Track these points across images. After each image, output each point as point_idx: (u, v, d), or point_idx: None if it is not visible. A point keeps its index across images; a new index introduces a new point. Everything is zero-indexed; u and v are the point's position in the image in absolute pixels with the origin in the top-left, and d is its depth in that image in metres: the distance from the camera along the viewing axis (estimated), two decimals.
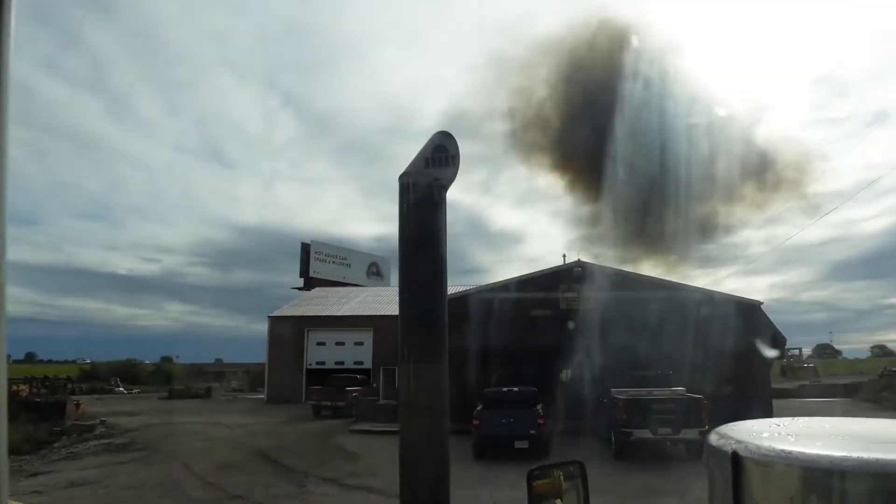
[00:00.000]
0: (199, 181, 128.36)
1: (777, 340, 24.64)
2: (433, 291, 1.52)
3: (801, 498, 0.74)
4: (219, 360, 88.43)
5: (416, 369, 1.44)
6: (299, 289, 55.13)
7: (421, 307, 1.52)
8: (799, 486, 0.74)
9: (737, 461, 0.80)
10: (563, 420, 20.52)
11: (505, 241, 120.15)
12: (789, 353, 48.70)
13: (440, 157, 1.62)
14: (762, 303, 25.27)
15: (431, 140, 1.65)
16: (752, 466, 0.78)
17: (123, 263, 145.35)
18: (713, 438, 0.87)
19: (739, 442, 0.81)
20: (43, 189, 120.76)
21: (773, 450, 0.77)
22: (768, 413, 22.36)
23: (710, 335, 22.20)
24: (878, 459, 0.71)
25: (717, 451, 0.84)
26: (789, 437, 0.82)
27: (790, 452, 0.76)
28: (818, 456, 0.73)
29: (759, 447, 0.79)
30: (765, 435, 0.83)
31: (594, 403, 21.10)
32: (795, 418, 0.98)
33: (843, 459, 0.72)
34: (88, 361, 74.82)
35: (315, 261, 57.13)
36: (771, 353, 23.43)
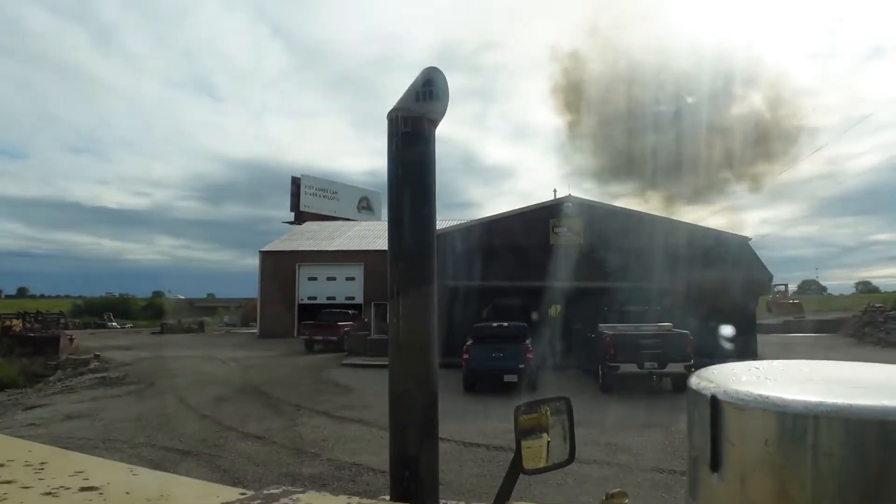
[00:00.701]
0: (189, 114, 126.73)
1: (763, 276, 24.94)
2: (422, 228, 1.51)
3: (775, 441, 0.76)
4: (211, 295, 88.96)
5: (404, 305, 1.44)
6: (290, 223, 55.06)
7: (410, 243, 1.51)
8: (774, 430, 0.76)
9: (715, 404, 0.82)
10: (552, 354, 20.85)
11: (497, 175, 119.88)
12: (775, 289, 49.34)
13: (429, 91, 1.59)
14: (750, 238, 25.47)
15: (420, 76, 1.62)
16: (729, 410, 0.80)
17: (114, 197, 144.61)
18: (693, 381, 0.89)
19: (718, 386, 0.83)
20: (31, 122, 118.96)
21: (751, 394, 0.79)
22: (753, 348, 22.84)
23: (698, 270, 22.43)
24: (850, 405, 0.73)
25: (697, 394, 0.86)
26: (767, 381, 0.84)
27: (767, 397, 0.78)
28: (793, 401, 0.75)
29: (736, 391, 0.81)
30: (743, 379, 0.85)
31: (582, 338, 21.44)
32: (775, 361, 1.00)
33: (818, 405, 0.74)
34: (80, 296, 75.18)
35: (305, 195, 56.87)
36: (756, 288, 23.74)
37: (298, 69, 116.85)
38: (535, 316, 22.40)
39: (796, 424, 0.75)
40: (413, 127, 1.51)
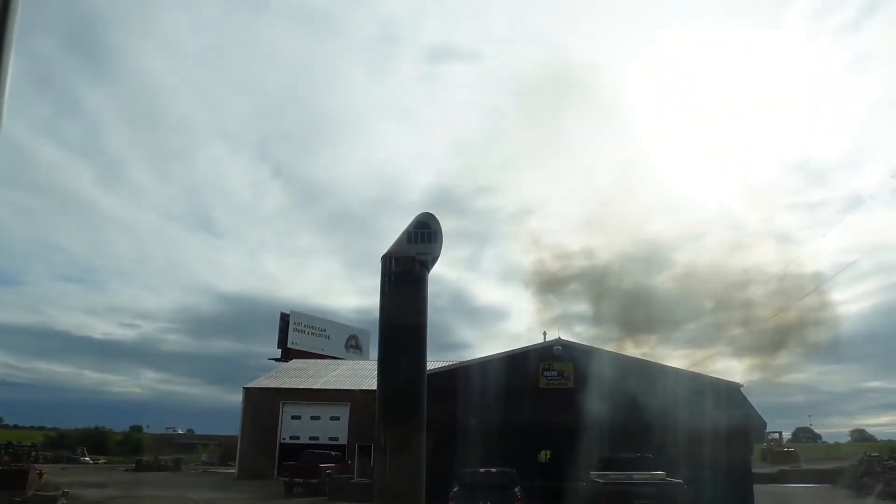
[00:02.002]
0: (186, 248, 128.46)
1: (757, 424, 24.54)
2: (412, 381, 1.56)
3: None
4: (190, 431, 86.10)
5: (392, 459, 1.46)
6: (276, 360, 54.47)
7: (399, 396, 1.56)
8: None
9: None
10: (543, 502, 20.11)
11: (488, 316, 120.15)
12: (769, 437, 48.41)
13: (423, 234, 1.68)
14: (742, 385, 25.28)
15: (415, 219, 1.71)
16: None
17: (101, 328, 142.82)
18: None
19: None
20: (28, 250, 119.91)
21: None
22: (749, 500, 22.07)
23: (691, 417, 22.09)
24: None
25: None
26: None
27: None
28: None
29: None
30: None
31: (573, 485, 20.75)
32: None
33: None
34: (55, 428, 72.79)
35: (294, 331, 56.68)
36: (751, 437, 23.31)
37: (296, 208, 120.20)
38: (524, 460, 21.78)
39: None
40: (406, 269, 1.59)
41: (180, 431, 79.46)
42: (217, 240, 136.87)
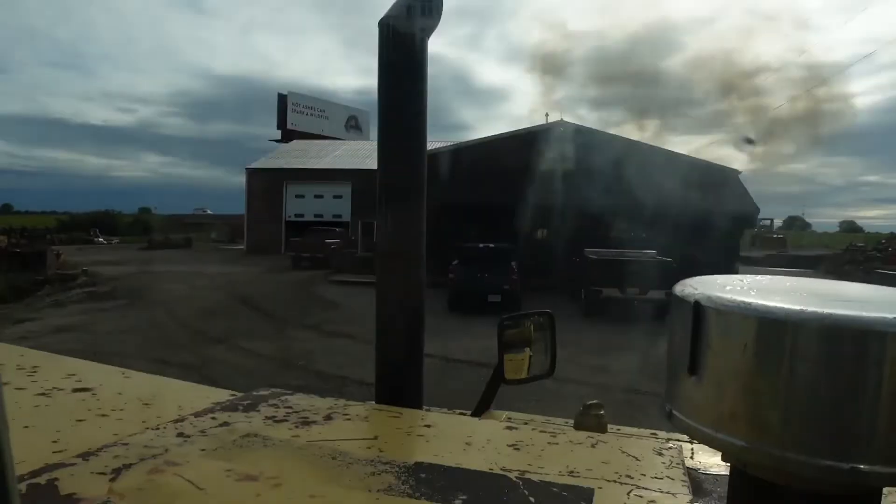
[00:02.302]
0: (174, 28, 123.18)
1: (750, 210, 25.05)
2: (413, 139, 1.50)
3: (754, 345, 0.78)
4: (198, 210, 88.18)
5: (393, 216, 1.45)
6: (277, 141, 54.23)
7: (401, 157, 1.51)
8: (753, 335, 0.78)
9: (698, 310, 0.83)
10: (537, 276, 21.03)
11: (491, 98, 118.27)
12: (761, 223, 49.68)
13: (423, 5, 1.54)
14: (740, 171, 25.43)
15: None
16: (711, 315, 0.82)
17: (98, 114, 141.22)
18: (678, 289, 0.90)
19: (702, 292, 0.84)
20: (11, 36, 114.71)
21: (733, 301, 0.80)
22: None
23: (685, 200, 22.46)
24: (829, 314, 0.74)
25: (680, 301, 0.88)
26: (750, 290, 0.85)
27: (749, 303, 0.79)
28: (774, 307, 0.77)
29: (720, 297, 0.82)
30: (727, 288, 0.86)
31: (567, 262, 21.61)
32: (759, 276, 1.01)
33: (798, 312, 0.75)
34: (66, 212, 74.45)
35: (293, 113, 55.84)
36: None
37: None
38: (521, 238, 22.46)
39: (775, 330, 0.76)
40: (405, 35, 1.48)
41: (210, 212, 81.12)
42: (205, 17, 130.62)
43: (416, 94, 1.45)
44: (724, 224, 22.71)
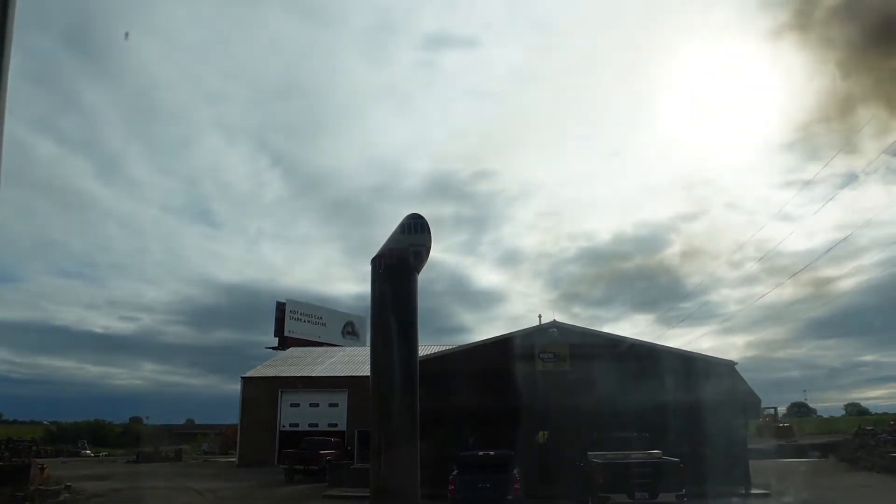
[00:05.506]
0: (185, 240, 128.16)
1: (752, 400, 24.77)
2: (405, 378, 1.62)
3: None
4: (190, 421, 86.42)
5: (388, 457, 1.53)
6: (274, 348, 54.59)
7: (393, 398, 1.62)
8: None
9: None
10: (540, 483, 20.31)
11: (487, 300, 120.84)
12: (765, 413, 48.88)
13: (415, 224, 1.72)
14: (736, 363, 25.52)
15: (404, 221, 1.74)
16: None
17: (100, 322, 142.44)
18: None
19: None
20: (27, 247, 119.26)
21: None
22: (745, 474, 22.33)
23: (686, 396, 22.32)
24: None
25: None
26: None
27: None
28: None
29: None
30: None
31: (571, 466, 20.94)
32: None
33: None
34: (54, 422, 72.87)
35: (290, 320, 56.80)
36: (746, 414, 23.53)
37: (295, 197, 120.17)
38: (521, 442, 21.95)
39: None
40: (398, 261, 1.65)
41: (196, 422, 78.83)
42: (216, 230, 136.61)
43: (407, 325, 1.57)
44: (726, 417, 22.39)
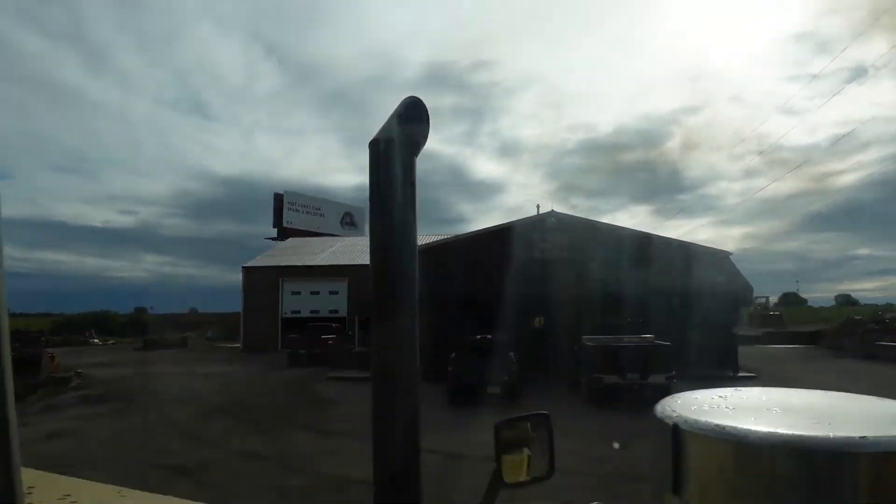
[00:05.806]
0: (180, 133, 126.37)
1: (744, 289, 25.21)
2: (404, 253, 1.61)
3: (732, 469, 0.83)
4: (193, 310, 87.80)
5: (385, 331, 1.53)
6: (273, 239, 54.79)
7: (392, 272, 1.61)
8: (731, 458, 0.82)
9: (677, 434, 0.88)
10: (536, 366, 20.89)
11: (486, 190, 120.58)
12: (756, 301, 49.80)
13: (409, 119, 1.68)
14: (731, 253, 25.79)
15: (401, 104, 1.70)
16: (690, 439, 0.87)
17: (99, 216, 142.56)
18: (658, 409, 0.95)
19: (680, 415, 0.89)
20: (19, 143, 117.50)
21: (710, 424, 0.84)
22: (734, 359, 23.04)
23: (680, 283, 22.66)
24: (801, 436, 0.79)
25: (660, 422, 0.92)
26: (727, 410, 0.90)
27: (724, 427, 0.84)
28: (748, 431, 0.82)
29: (697, 421, 0.87)
30: (705, 408, 0.90)
31: (566, 350, 21.51)
32: (739, 389, 1.06)
33: (772, 435, 0.80)
34: (61, 313, 74.18)
35: (288, 211, 56.70)
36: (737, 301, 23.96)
37: (290, 87, 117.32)
38: (518, 328, 22.44)
39: (751, 454, 0.81)
40: (393, 155, 1.61)
41: (199, 311, 79.70)
42: (211, 123, 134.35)
43: (406, 214, 1.56)
44: (718, 304, 22.80)
